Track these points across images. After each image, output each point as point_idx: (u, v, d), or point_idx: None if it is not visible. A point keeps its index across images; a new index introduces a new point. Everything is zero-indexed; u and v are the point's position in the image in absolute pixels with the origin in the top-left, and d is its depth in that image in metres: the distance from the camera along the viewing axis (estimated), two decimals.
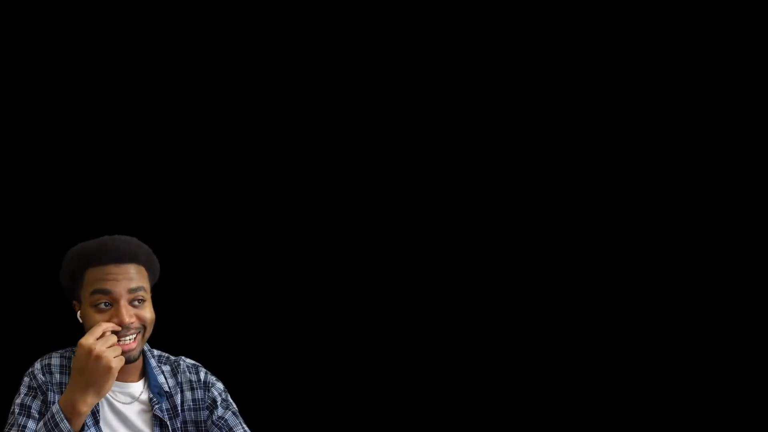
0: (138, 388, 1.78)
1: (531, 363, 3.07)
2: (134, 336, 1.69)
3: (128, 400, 1.76)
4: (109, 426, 1.73)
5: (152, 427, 1.75)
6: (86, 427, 1.66)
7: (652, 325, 3.02)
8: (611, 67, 3.03)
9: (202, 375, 1.86)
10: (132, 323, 1.68)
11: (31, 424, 1.65)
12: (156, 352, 1.88)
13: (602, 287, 3.04)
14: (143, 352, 1.81)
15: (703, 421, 2.95)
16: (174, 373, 1.84)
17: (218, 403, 1.84)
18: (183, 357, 1.90)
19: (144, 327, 1.72)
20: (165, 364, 1.85)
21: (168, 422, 1.76)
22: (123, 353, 1.66)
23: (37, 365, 1.74)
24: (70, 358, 1.75)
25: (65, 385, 1.70)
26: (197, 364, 1.90)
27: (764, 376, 2.94)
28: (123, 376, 1.76)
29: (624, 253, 3.05)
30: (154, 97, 3.06)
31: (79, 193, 2.95)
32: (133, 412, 1.75)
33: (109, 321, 1.66)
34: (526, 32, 3.06)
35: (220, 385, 1.89)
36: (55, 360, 1.74)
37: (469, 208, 3.11)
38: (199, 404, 1.82)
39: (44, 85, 3.05)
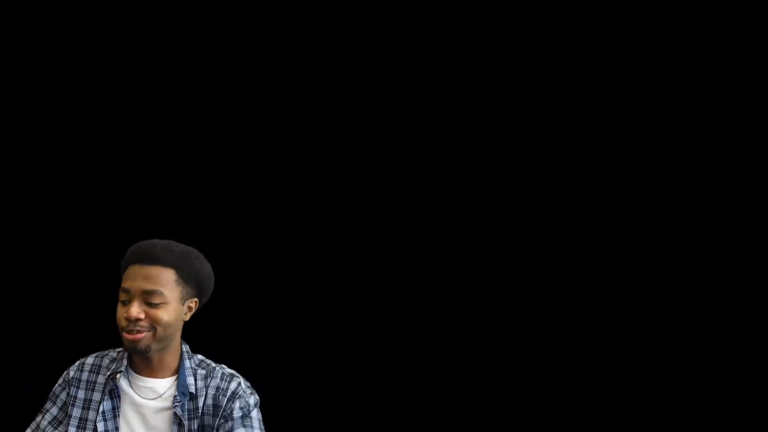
0: (164, 385, 1.84)
1: (531, 363, 3.07)
2: (140, 331, 1.77)
3: (152, 395, 1.83)
4: (126, 419, 1.82)
5: (171, 424, 1.81)
6: (101, 419, 1.79)
7: (651, 325, 3.03)
8: (611, 67, 3.03)
9: (233, 385, 1.85)
10: (139, 320, 1.76)
11: (53, 410, 1.87)
12: (199, 357, 1.90)
13: (602, 287, 3.05)
14: (181, 353, 1.86)
15: (704, 421, 2.95)
16: (206, 377, 1.86)
17: (235, 416, 1.83)
18: (224, 365, 1.91)
19: (155, 327, 1.78)
20: (202, 368, 1.88)
21: (186, 422, 1.81)
22: (129, 342, 1.78)
23: (76, 363, 1.90)
24: (104, 357, 1.88)
25: (91, 382, 1.86)
26: (234, 373, 1.89)
27: (764, 376, 2.95)
28: (150, 372, 1.84)
29: (624, 253, 3.05)
30: (158, 102, 3.07)
31: (105, 198, 3.08)
32: (154, 408, 1.82)
33: (124, 315, 1.78)
34: (526, 32, 3.06)
35: (250, 400, 1.86)
36: (90, 359, 1.89)
37: (470, 208, 3.12)
38: (216, 411, 1.84)
39: (49, 85, 3.05)
